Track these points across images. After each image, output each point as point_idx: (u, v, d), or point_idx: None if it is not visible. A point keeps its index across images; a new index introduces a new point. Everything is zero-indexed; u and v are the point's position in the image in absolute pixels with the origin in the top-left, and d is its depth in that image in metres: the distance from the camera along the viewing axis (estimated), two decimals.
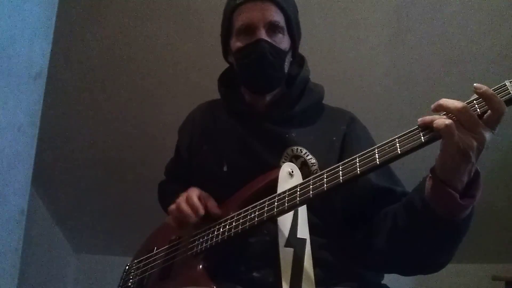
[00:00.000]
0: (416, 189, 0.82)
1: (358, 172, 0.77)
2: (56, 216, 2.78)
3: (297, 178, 0.95)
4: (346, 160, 0.81)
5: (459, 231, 0.78)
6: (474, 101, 0.70)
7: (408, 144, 0.73)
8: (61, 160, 2.57)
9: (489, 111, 0.68)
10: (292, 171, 0.96)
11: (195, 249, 0.96)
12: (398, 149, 0.73)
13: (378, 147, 0.77)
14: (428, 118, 0.71)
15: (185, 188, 1.09)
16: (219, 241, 0.92)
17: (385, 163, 0.75)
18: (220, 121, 1.16)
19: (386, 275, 1.03)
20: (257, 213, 0.89)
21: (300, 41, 1.14)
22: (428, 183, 0.76)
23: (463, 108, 0.68)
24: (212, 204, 1.00)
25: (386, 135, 0.78)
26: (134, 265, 1.11)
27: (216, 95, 1.20)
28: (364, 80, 2.23)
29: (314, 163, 1.00)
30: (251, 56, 1.03)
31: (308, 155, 1.01)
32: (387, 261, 0.92)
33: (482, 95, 0.68)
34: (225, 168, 1.07)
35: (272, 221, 0.90)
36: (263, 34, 1.02)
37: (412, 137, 0.73)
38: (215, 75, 1.20)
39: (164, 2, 2.12)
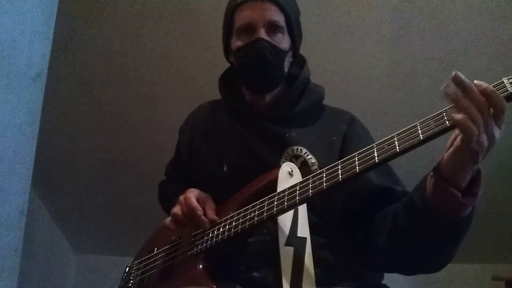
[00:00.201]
0: (417, 188, 0.82)
1: (357, 170, 0.77)
2: (56, 216, 2.78)
3: (297, 178, 0.95)
4: (345, 159, 0.81)
5: (460, 230, 0.78)
6: None
7: (407, 141, 0.72)
8: (61, 160, 2.56)
9: (491, 109, 0.67)
10: (292, 171, 0.96)
11: (195, 249, 0.96)
12: (397, 147, 0.73)
13: (377, 145, 0.77)
14: (458, 118, 0.65)
15: (185, 188, 1.10)
16: (219, 241, 0.93)
17: (384, 161, 0.75)
18: (220, 121, 1.16)
19: (386, 275, 1.03)
20: (257, 212, 0.90)
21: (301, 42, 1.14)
22: (430, 182, 0.76)
23: (487, 109, 0.66)
24: (210, 209, 1.00)
25: (386, 135, 0.78)
26: (134, 265, 1.12)
27: (217, 96, 1.20)
28: (364, 80, 2.23)
29: (314, 162, 1.00)
30: (250, 55, 1.04)
31: (308, 155, 1.01)
32: (388, 261, 0.92)
33: (483, 92, 0.67)
34: (225, 168, 1.07)
35: (272, 220, 0.90)
36: (262, 33, 1.03)
37: (410, 134, 0.73)
38: (215, 75, 1.21)
39: (164, 2, 2.12)
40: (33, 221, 2.44)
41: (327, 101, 1.16)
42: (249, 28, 1.04)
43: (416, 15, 2.05)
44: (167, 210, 1.20)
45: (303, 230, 0.90)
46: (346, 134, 1.06)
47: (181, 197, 1.02)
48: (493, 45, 2.05)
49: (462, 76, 0.66)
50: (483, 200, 0.76)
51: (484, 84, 0.67)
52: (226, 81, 1.18)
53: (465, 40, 2.06)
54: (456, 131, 0.70)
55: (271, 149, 1.04)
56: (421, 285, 2.37)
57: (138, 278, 1.06)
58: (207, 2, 2.05)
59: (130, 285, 1.06)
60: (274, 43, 1.04)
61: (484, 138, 0.67)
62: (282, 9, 1.05)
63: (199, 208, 0.98)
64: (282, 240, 0.89)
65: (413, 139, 0.72)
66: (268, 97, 1.10)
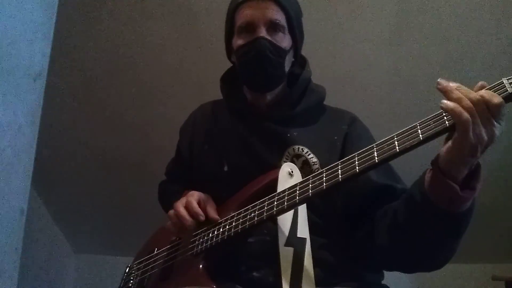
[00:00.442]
0: (416, 183, 0.82)
1: (357, 170, 0.77)
2: (56, 216, 2.78)
3: (297, 178, 0.95)
4: (345, 159, 0.81)
5: (460, 225, 0.78)
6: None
7: (406, 142, 0.73)
8: (61, 160, 2.56)
9: (489, 106, 0.68)
10: (292, 171, 0.96)
11: (195, 249, 0.96)
12: (397, 147, 0.73)
13: (376, 145, 0.77)
14: (450, 105, 0.67)
15: (185, 188, 1.10)
16: (219, 241, 0.93)
17: (383, 161, 0.75)
18: (221, 121, 1.16)
19: (386, 275, 1.02)
20: (257, 212, 0.90)
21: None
22: (428, 175, 0.76)
23: (480, 100, 0.67)
24: (211, 209, 1.00)
25: (386, 135, 0.78)
26: (134, 265, 1.12)
27: (218, 96, 1.21)
28: (365, 80, 2.23)
29: (316, 162, 1.00)
30: (251, 53, 1.04)
31: (309, 154, 1.01)
32: (388, 258, 0.92)
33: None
34: (225, 168, 1.07)
35: (272, 220, 0.90)
36: (263, 32, 1.03)
37: (410, 135, 0.73)
38: (215, 76, 1.21)
39: (165, 1, 2.12)
40: (33, 221, 2.44)
41: (327, 101, 1.16)
42: (250, 27, 1.05)
43: (416, 16, 2.05)
44: (167, 210, 1.20)
45: (303, 231, 0.91)
46: (347, 133, 1.06)
47: (182, 200, 1.02)
48: (493, 46, 2.05)
49: (444, 81, 0.69)
50: (483, 200, 0.76)
51: (478, 85, 0.69)
52: (228, 81, 1.18)
53: (465, 40, 2.06)
54: None
55: (272, 149, 1.04)
56: (421, 285, 2.37)
57: (138, 278, 1.06)
58: (208, 2, 2.05)
59: (130, 285, 1.06)
60: (274, 42, 1.04)
61: (482, 130, 0.67)
62: (283, 8, 1.06)
63: (201, 213, 0.98)
64: (281, 240, 0.89)
65: (412, 139, 0.72)
66: (269, 97, 1.10)
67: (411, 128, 0.74)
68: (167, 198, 1.24)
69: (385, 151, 0.75)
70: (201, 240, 0.96)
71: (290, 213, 0.91)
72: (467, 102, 0.67)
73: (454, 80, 0.71)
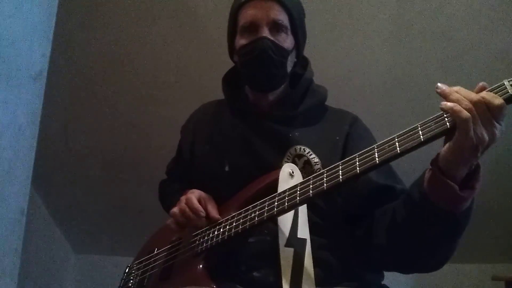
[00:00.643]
0: (415, 183, 0.82)
1: (358, 171, 0.77)
2: (56, 216, 2.78)
3: (298, 179, 0.95)
4: (346, 159, 0.81)
5: (459, 225, 0.78)
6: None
7: (407, 143, 0.72)
8: (61, 160, 2.56)
9: (489, 107, 0.68)
10: (293, 172, 0.96)
11: (195, 249, 0.96)
12: (398, 148, 0.73)
13: (377, 146, 0.77)
14: (449, 104, 0.68)
15: (186, 188, 1.10)
16: (220, 241, 0.93)
17: (384, 162, 0.75)
18: (223, 120, 1.16)
19: (386, 275, 1.03)
20: (257, 212, 0.90)
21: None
22: (427, 175, 0.76)
23: (480, 100, 0.67)
24: (212, 208, 1.00)
25: (386, 134, 0.78)
26: (134, 265, 1.12)
27: (220, 96, 1.21)
28: (364, 80, 2.23)
29: (317, 162, 1.00)
30: (253, 53, 1.04)
31: (311, 154, 1.01)
32: (387, 258, 0.92)
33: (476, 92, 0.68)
34: (226, 168, 1.07)
35: (273, 220, 0.90)
36: (266, 32, 1.03)
37: (411, 136, 0.73)
38: (216, 76, 1.21)
39: (165, 2, 2.12)
40: (33, 221, 2.44)
41: (327, 101, 1.16)
42: (253, 27, 1.05)
43: (416, 16, 2.05)
44: (168, 210, 1.20)
45: (303, 231, 0.91)
46: (349, 134, 1.06)
47: (183, 198, 1.02)
48: (493, 46, 2.05)
49: (443, 85, 0.70)
50: (483, 200, 0.76)
51: (478, 86, 0.69)
52: (229, 81, 1.18)
53: (465, 41, 2.06)
54: None
55: (274, 149, 1.04)
56: (421, 285, 2.37)
57: (138, 278, 1.06)
58: (210, 2, 2.05)
59: (130, 285, 1.06)
60: (277, 42, 1.04)
61: (482, 131, 0.67)
62: (286, 9, 1.06)
63: (201, 209, 0.98)
64: (282, 241, 0.89)
65: (413, 140, 0.72)
66: (271, 97, 1.11)
67: (412, 129, 0.73)
68: (168, 197, 1.24)
69: (386, 152, 0.75)
70: (201, 240, 0.96)
71: (291, 213, 0.91)
72: (467, 103, 0.67)
73: (453, 81, 0.71)
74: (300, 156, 1.02)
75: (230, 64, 1.20)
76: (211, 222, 0.98)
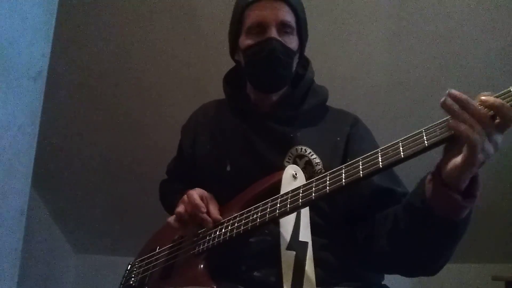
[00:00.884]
0: (416, 192, 0.81)
1: (361, 175, 0.76)
2: (56, 216, 2.78)
3: (301, 181, 0.94)
4: (349, 163, 0.81)
5: (460, 231, 0.78)
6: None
7: (411, 148, 0.72)
8: (61, 160, 2.56)
9: (497, 118, 0.67)
10: (296, 174, 0.96)
11: (197, 249, 0.96)
12: (401, 153, 0.73)
13: (381, 150, 0.76)
14: (461, 128, 0.66)
15: (186, 188, 1.09)
16: (221, 241, 0.93)
17: (388, 167, 0.74)
18: (224, 120, 1.16)
19: (386, 276, 1.03)
20: (259, 214, 0.89)
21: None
22: (429, 186, 0.75)
23: (490, 121, 0.66)
24: (214, 208, 1.00)
25: (385, 134, 0.78)
26: (136, 263, 1.12)
27: (220, 95, 1.20)
28: (364, 81, 2.22)
29: (318, 162, 1.00)
30: (262, 53, 1.03)
31: (312, 155, 1.01)
32: (388, 262, 0.92)
33: (491, 106, 0.66)
34: (228, 168, 1.07)
35: (274, 222, 0.90)
36: (274, 33, 1.03)
37: (415, 141, 0.72)
38: (216, 75, 1.20)
39: (165, 2, 2.12)
40: (33, 221, 2.44)
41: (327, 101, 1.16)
42: (261, 27, 1.04)
43: (415, 17, 2.05)
44: (168, 210, 1.20)
45: (305, 235, 0.90)
46: (350, 134, 1.06)
47: (185, 196, 1.02)
48: (492, 47, 2.05)
49: (457, 93, 0.67)
50: (483, 201, 0.76)
51: (491, 99, 0.66)
52: (231, 80, 1.18)
53: (465, 41, 2.06)
54: None
55: (275, 149, 1.04)
56: (421, 285, 2.36)
57: (140, 276, 1.06)
58: (212, 5, 2.05)
59: (131, 282, 1.06)
60: (284, 43, 1.04)
61: (489, 146, 0.67)
62: (294, 10, 1.06)
63: (203, 205, 0.98)
64: (283, 244, 0.88)
65: (418, 145, 0.71)
66: (274, 97, 1.10)
67: (416, 134, 0.73)
68: (168, 197, 1.24)
69: (390, 157, 0.74)
70: (203, 240, 0.96)
71: (293, 216, 0.91)
72: (477, 126, 0.65)
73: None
74: (302, 156, 1.02)
75: (231, 63, 1.20)
76: (212, 223, 0.98)
